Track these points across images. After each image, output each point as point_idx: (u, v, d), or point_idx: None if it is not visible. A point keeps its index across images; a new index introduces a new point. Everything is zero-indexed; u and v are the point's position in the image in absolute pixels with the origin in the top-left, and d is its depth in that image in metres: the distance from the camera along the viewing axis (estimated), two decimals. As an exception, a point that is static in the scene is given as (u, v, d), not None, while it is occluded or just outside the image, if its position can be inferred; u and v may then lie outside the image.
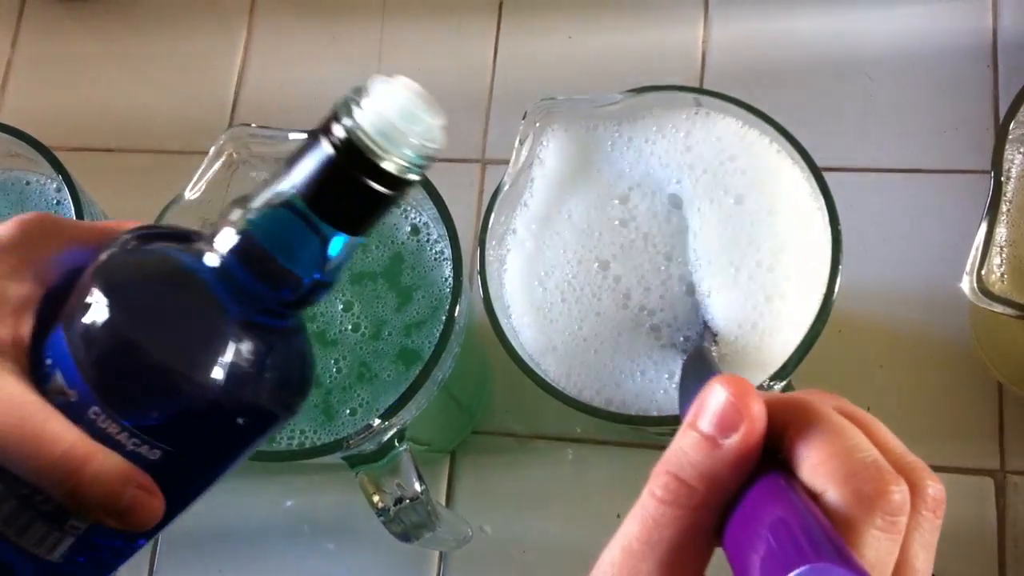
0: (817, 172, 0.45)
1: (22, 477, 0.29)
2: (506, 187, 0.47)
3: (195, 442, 0.31)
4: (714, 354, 0.43)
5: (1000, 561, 0.51)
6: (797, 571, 0.22)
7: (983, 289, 0.41)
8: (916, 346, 0.56)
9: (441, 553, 0.58)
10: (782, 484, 0.26)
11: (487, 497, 0.59)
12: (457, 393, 0.58)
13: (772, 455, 0.27)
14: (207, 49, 0.71)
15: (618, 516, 0.39)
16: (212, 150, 0.48)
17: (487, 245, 0.47)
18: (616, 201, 0.47)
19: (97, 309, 0.30)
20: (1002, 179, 0.43)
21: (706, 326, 0.44)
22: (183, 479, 0.32)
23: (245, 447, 0.33)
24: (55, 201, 0.55)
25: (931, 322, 0.56)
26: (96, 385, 0.30)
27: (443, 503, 0.59)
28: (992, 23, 0.60)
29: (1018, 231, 0.46)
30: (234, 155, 0.50)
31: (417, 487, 0.46)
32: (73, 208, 0.52)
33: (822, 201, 0.44)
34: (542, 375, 0.45)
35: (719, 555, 0.27)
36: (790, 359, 0.42)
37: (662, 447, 0.27)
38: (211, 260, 0.31)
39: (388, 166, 0.29)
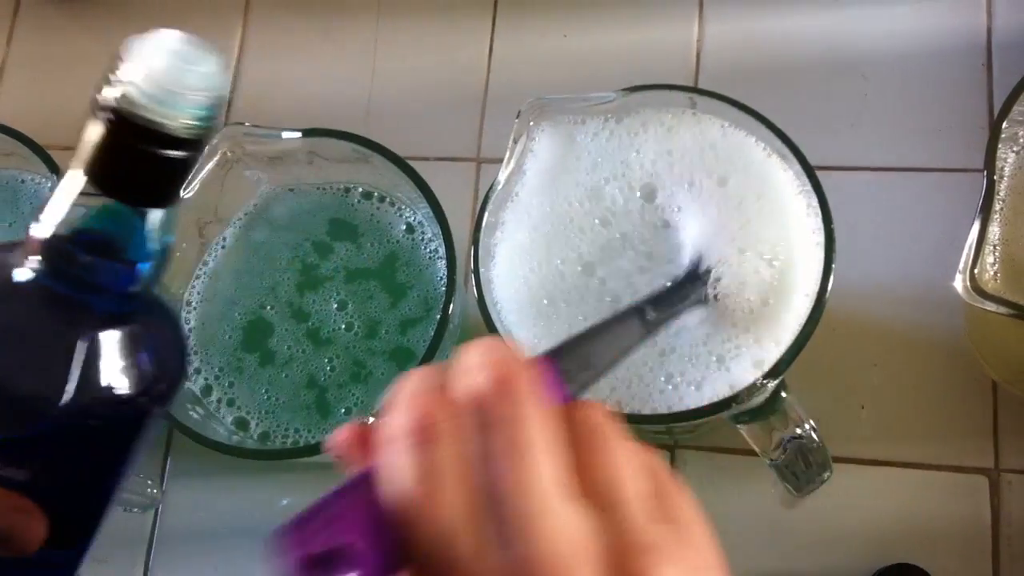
0: (810, 170, 0.45)
1: None
2: (500, 186, 0.47)
3: (67, 455, 0.29)
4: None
5: (994, 559, 0.51)
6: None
7: (976, 288, 0.41)
8: (910, 345, 0.56)
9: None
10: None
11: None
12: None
13: None
14: (202, 48, 0.70)
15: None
16: (206, 149, 0.48)
17: (480, 244, 0.47)
18: (599, 193, 0.47)
19: None
20: (995, 178, 0.44)
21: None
22: (72, 491, 0.30)
23: (126, 446, 0.31)
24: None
25: (925, 321, 0.56)
26: None
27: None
28: (986, 22, 0.60)
29: (1011, 230, 0.46)
30: (228, 154, 0.50)
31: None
32: (67, 207, 0.52)
33: (815, 199, 0.44)
34: (536, 374, 0.45)
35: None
36: (782, 358, 0.42)
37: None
38: (32, 266, 0.28)
39: (168, 128, 0.26)
